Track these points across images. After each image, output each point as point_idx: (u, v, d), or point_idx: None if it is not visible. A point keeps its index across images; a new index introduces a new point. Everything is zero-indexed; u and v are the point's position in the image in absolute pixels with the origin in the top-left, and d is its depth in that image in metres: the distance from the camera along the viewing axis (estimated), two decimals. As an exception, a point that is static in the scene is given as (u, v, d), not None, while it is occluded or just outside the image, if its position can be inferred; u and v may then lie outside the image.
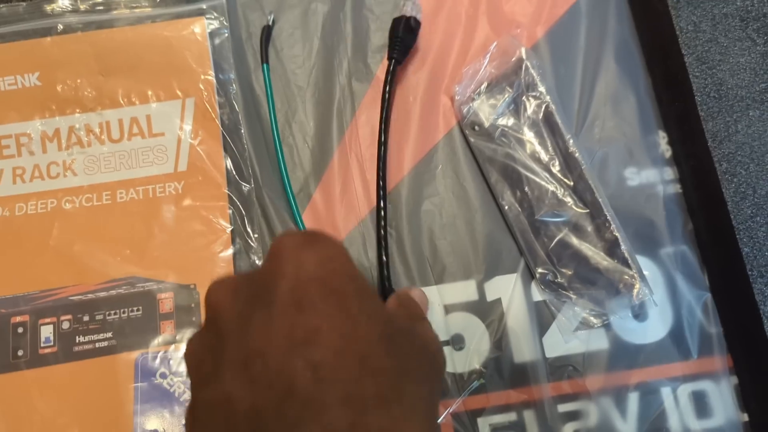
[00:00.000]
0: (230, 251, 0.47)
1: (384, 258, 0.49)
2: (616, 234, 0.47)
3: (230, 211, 0.48)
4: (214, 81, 0.51)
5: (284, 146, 0.53)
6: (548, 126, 0.51)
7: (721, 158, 0.49)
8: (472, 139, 0.52)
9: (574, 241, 0.48)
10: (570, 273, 0.48)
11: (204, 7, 0.53)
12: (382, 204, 0.50)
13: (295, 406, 0.25)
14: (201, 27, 0.51)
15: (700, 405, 0.47)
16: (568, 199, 0.49)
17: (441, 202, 0.52)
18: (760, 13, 0.51)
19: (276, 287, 0.27)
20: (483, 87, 0.52)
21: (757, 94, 0.50)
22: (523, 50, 0.52)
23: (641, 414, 0.47)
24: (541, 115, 0.51)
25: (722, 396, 0.47)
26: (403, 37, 0.53)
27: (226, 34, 0.53)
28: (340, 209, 0.52)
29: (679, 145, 0.52)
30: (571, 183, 0.49)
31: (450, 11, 0.56)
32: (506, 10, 0.57)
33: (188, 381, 0.43)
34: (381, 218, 0.50)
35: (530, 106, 0.51)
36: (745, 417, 0.47)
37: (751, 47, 0.51)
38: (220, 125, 0.50)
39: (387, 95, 0.52)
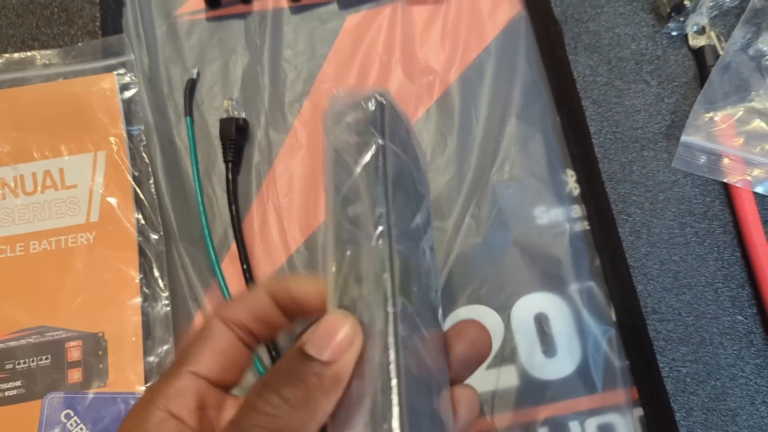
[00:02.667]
0: (138, 300, 0.49)
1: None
2: None
3: (140, 260, 0.50)
4: (125, 134, 0.52)
5: (204, 197, 0.54)
6: None
7: (617, 198, 0.50)
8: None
9: None
10: None
11: (114, 63, 0.55)
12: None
13: None
14: (110, 83, 0.53)
15: (607, 438, 0.48)
16: None
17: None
18: (654, 56, 0.53)
19: None
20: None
21: (651, 135, 0.52)
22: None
23: (550, 449, 0.48)
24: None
25: (627, 428, 0.48)
26: (236, 138, 0.55)
27: (136, 89, 0.55)
28: (259, 258, 0.53)
29: (584, 184, 0.54)
30: None
31: (364, 57, 0.58)
32: (420, 57, 0.59)
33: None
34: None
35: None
36: (651, 448, 0.48)
37: (646, 89, 0.53)
38: (130, 177, 0.51)
39: (231, 194, 0.54)
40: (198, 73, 0.58)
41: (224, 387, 0.32)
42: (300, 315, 0.33)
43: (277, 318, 0.33)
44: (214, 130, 0.56)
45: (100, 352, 0.47)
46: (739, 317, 0.48)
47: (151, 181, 0.52)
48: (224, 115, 0.55)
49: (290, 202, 0.54)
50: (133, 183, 0.51)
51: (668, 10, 0.53)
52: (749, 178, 0.49)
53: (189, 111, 0.56)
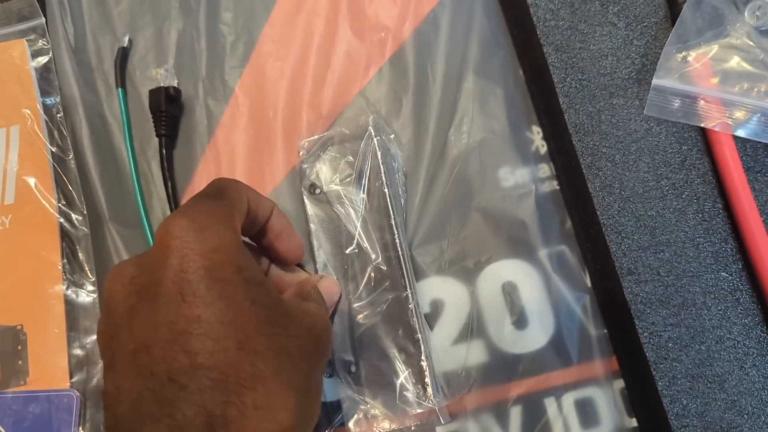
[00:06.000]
0: (60, 287, 0.45)
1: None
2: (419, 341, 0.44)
3: (63, 244, 0.46)
4: (40, 107, 0.48)
5: (140, 175, 0.50)
6: (381, 209, 0.47)
7: (584, 151, 0.46)
8: (308, 203, 0.48)
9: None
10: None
11: (24, 28, 0.50)
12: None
13: (172, 391, 0.28)
14: (20, 51, 0.49)
15: (586, 413, 0.45)
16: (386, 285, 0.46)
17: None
18: (621, -5, 0.49)
19: (162, 278, 0.30)
20: (328, 147, 0.49)
21: (620, 81, 0.47)
22: (371, 120, 0.48)
23: (524, 428, 0.45)
24: (376, 195, 0.47)
25: (608, 401, 0.45)
26: (167, 110, 0.51)
27: (49, 56, 0.50)
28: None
29: (551, 140, 0.49)
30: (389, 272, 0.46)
31: (309, 16, 0.54)
32: (369, 13, 0.54)
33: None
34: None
35: (369, 181, 0.47)
36: (634, 422, 0.45)
37: (613, 31, 0.48)
38: (48, 153, 0.47)
39: (166, 170, 0.50)
40: (129, 41, 0.54)
41: None
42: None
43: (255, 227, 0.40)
44: (148, 102, 0.52)
45: (19, 347, 0.44)
46: (723, 274, 0.44)
47: (71, 157, 0.48)
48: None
49: (233, 175, 0.51)
50: (51, 160, 0.47)
51: (634, -56, 0.49)
52: (728, 121, 0.45)
53: (121, 82, 0.52)
